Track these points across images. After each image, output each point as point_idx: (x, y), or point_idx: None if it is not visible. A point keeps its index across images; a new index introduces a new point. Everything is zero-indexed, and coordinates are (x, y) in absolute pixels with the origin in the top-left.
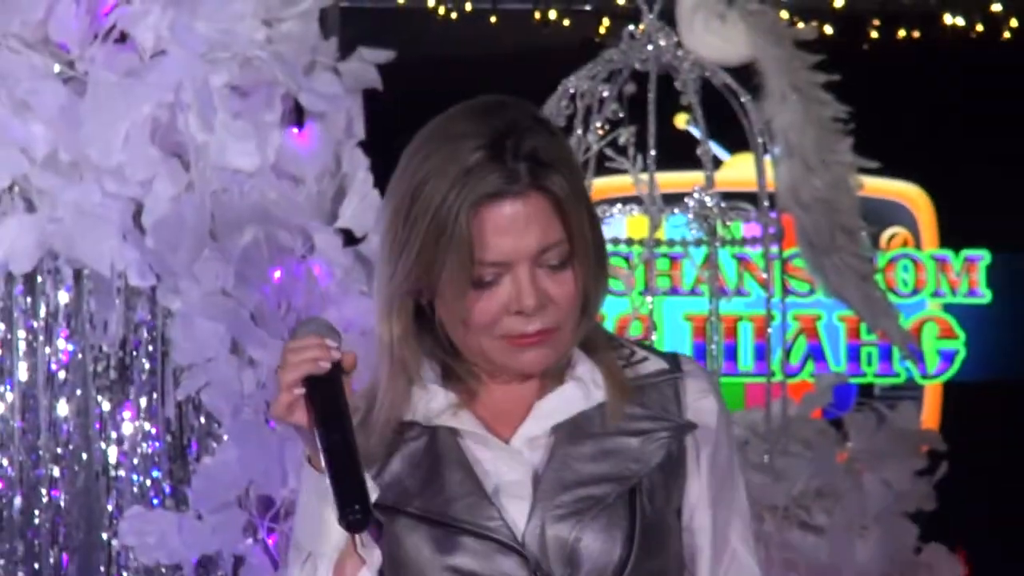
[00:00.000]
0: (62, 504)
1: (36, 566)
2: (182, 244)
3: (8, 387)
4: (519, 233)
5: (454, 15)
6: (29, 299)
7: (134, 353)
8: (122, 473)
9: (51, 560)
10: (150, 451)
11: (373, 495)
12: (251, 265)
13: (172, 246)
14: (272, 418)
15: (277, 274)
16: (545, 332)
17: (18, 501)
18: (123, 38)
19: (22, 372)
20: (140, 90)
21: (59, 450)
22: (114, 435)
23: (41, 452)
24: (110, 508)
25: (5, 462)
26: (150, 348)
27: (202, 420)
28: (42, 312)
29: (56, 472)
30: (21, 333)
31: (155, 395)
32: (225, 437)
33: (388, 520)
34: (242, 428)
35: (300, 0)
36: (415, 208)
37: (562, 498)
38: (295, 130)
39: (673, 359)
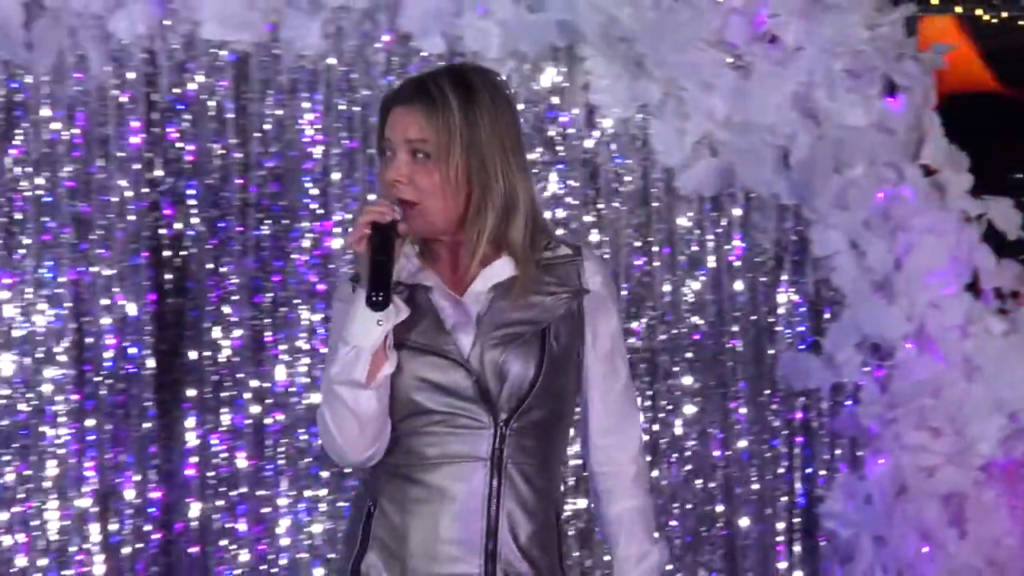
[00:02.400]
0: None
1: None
2: (816, 175)
3: (702, 273)
4: (396, 126)
5: (994, 20)
6: (715, 213)
7: (785, 248)
8: (777, 328)
9: None
10: (796, 316)
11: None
12: (859, 189)
13: (809, 177)
14: (346, 245)
15: (880, 195)
16: (408, 203)
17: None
18: (774, 39)
19: (711, 262)
20: (786, 74)
21: (736, 313)
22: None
23: (724, 315)
24: (771, 352)
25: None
26: (795, 245)
27: (831, 292)
28: (724, 222)
29: (735, 328)
30: (710, 236)
31: (801, 277)
32: (847, 303)
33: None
34: (861, 296)
35: (892, 12)
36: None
37: (495, 333)
38: (890, 99)
39: (578, 250)
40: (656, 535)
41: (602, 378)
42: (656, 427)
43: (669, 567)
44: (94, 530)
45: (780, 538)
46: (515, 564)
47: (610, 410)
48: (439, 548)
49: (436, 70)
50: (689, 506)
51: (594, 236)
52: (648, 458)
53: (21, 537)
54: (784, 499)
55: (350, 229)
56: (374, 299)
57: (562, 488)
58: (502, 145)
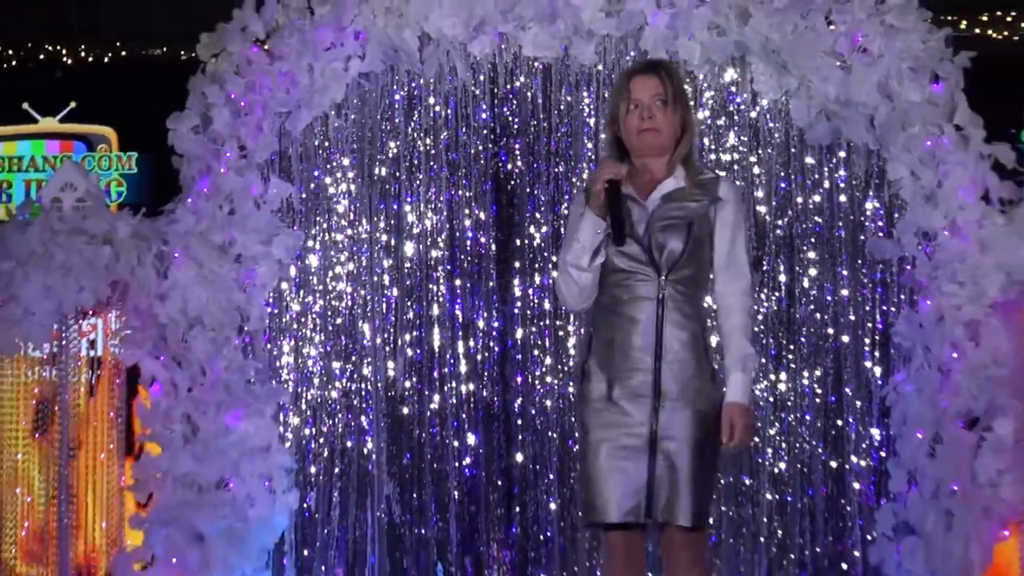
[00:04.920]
0: (843, 235)
1: None
2: (890, 131)
3: (821, 190)
4: (644, 87)
5: None
6: (829, 155)
7: (871, 175)
8: (867, 224)
9: None
10: (877, 216)
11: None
12: (916, 139)
13: (886, 132)
14: (590, 191)
15: (928, 143)
16: (654, 128)
17: None
18: (865, 50)
19: (826, 184)
20: (873, 72)
21: (841, 214)
22: (862, 209)
23: (834, 215)
24: (862, 238)
25: None
26: (878, 173)
27: (899, 201)
28: (833, 160)
29: (841, 223)
30: (826, 168)
31: (881, 192)
32: (908, 207)
33: None
34: (917, 204)
35: (937, 32)
36: (613, 93)
37: (658, 224)
38: (935, 85)
39: (718, 176)
40: (751, 346)
41: (725, 254)
42: (789, 281)
43: (781, 366)
44: (460, 346)
45: (867, 348)
46: (673, 360)
47: (726, 271)
48: (631, 352)
49: (651, 58)
50: (812, 330)
51: (756, 169)
52: (787, 301)
53: (418, 351)
54: (869, 324)
55: (588, 174)
56: (616, 236)
57: (706, 315)
58: (690, 100)
